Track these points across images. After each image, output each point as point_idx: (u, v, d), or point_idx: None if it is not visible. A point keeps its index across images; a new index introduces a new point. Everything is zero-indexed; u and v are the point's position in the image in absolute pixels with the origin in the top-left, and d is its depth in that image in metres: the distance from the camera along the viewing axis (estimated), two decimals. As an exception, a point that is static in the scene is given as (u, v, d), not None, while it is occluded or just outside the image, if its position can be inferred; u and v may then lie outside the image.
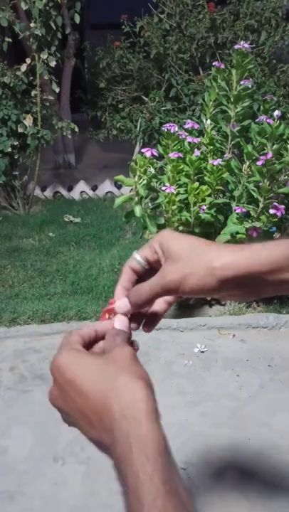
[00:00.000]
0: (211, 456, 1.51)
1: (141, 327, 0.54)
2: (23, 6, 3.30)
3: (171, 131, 2.19)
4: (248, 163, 2.13)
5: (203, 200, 2.14)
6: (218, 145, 2.34)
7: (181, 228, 2.23)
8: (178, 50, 3.90)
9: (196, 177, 2.19)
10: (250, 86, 2.28)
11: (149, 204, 2.18)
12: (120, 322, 0.50)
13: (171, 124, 2.21)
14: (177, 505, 0.34)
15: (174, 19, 3.89)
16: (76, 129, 3.80)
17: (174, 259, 0.48)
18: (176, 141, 2.22)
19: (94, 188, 4.28)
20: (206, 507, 1.34)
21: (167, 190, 2.06)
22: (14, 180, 3.72)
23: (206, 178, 2.19)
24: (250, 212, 2.13)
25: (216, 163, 2.13)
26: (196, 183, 2.13)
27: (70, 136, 4.05)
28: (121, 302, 0.51)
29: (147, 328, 0.54)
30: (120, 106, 4.23)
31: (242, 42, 2.24)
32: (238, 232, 2.14)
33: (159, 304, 0.53)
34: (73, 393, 0.41)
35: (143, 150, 2.03)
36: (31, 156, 3.68)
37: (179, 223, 2.20)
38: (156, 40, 3.88)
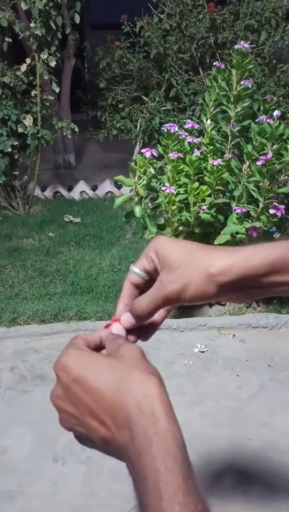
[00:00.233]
0: (211, 456, 1.51)
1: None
2: (23, 6, 3.30)
3: (171, 131, 2.19)
4: (248, 163, 2.13)
5: (203, 200, 2.14)
6: (218, 145, 2.34)
7: (181, 228, 2.23)
8: (178, 50, 3.90)
9: (196, 177, 2.19)
10: (250, 86, 2.28)
11: (149, 204, 2.18)
12: (117, 329, 0.50)
13: (171, 124, 2.21)
14: (196, 501, 0.34)
15: (174, 19, 3.89)
16: (76, 129, 3.80)
17: (170, 267, 0.47)
18: (176, 141, 2.22)
19: (94, 188, 4.28)
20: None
21: (167, 191, 2.06)
22: (14, 180, 3.72)
23: (206, 178, 2.19)
24: (250, 212, 2.13)
25: (216, 163, 2.13)
26: (196, 183, 2.13)
27: (70, 136, 4.05)
28: (126, 317, 0.51)
29: (145, 338, 0.54)
30: (120, 106, 4.23)
31: (242, 42, 2.24)
32: (238, 232, 2.14)
33: (158, 313, 0.52)
34: (81, 392, 0.40)
35: (143, 150, 2.03)
36: (31, 156, 3.68)
37: (178, 223, 2.20)
38: (156, 40, 3.88)
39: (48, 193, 4.27)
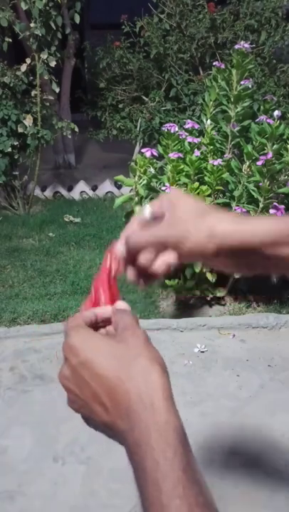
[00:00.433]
0: (211, 456, 1.51)
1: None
2: (23, 6, 3.30)
3: (172, 131, 2.19)
4: (248, 163, 2.13)
5: (204, 200, 2.14)
6: (218, 145, 2.34)
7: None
8: (178, 50, 3.90)
9: (196, 177, 2.19)
10: (250, 86, 2.28)
11: (149, 204, 2.17)
12: (121, 305, 0.50)
13: (172, 124, 2.21)
14: (197, 493, 0.34)
15: (174, 19, 3.89)
16: (76, 129, 3.80)
17: (179, 217, 0.49)
18: (177, 141, 2.22)
19: (94, 188, 4.28)
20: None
21: (167, 191, 2.06)
22: (14, 180, 3.72)
23: (206, 178, 2.19)
24: (250, 212, 2.13)
25: (216, 163, 2.13)
26: (196, 183, 2.13)
27: (70, 136, 4.05)
28: (120, 245, 0.52)
29: (144, 283, 0.55)
30: (120, 106, 4.23)
31: (242, 42, 2.24)
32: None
33: (158, 265, 0.53)
34: (88, 376, 0.40)
35: (143, 150, 2.03)
36: (31, 156, 3.68)
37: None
38: (156, 40, 3.87)
39: (48, 193, 4.27)
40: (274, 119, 2.06)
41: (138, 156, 2.11)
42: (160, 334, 2.14)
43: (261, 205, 2.09)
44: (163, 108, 3.87)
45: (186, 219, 0.49)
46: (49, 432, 1.62)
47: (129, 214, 2.15)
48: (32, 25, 3.32)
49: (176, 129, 2.21)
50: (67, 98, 4.55)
